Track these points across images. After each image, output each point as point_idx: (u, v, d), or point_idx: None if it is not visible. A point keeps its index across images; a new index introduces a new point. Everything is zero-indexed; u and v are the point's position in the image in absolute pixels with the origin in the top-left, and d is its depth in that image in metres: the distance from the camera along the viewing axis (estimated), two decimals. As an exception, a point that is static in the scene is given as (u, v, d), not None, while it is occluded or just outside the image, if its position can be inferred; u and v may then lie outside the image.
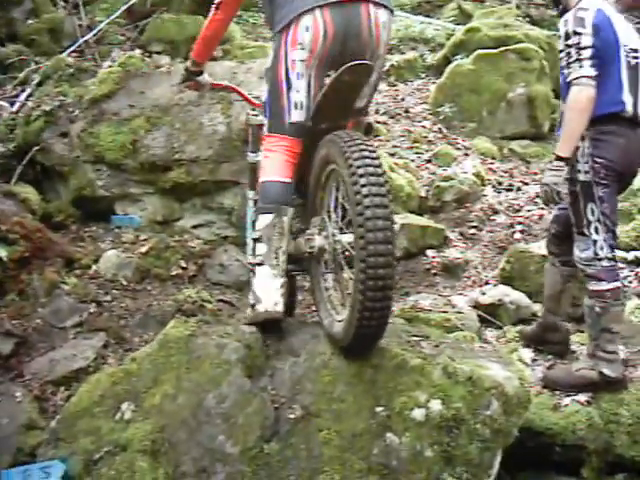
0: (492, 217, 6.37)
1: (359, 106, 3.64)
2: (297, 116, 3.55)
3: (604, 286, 3.92)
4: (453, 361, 3.26)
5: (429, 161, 7.17)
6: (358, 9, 3.41)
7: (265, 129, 3.72)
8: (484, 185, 6.81)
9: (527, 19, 11.05)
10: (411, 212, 6.15)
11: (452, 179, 6.58)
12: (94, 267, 5.21)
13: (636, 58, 3.99)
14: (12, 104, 7.03)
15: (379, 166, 3.03)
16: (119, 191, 5.96)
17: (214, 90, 4.71)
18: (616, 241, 4.09)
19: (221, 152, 5.84)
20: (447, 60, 9.33)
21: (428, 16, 12.38)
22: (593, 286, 3.95)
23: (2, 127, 6.53)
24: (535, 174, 7.29)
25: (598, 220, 3.93)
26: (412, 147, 7.51)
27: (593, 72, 3.77)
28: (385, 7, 3.51)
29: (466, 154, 7.46)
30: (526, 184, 7.02)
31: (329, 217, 3.41)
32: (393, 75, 9.66)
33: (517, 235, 6.10)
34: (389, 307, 3.07)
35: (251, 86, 5.74)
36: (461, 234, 6.10)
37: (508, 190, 6.89)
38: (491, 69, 8.35)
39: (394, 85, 9.47)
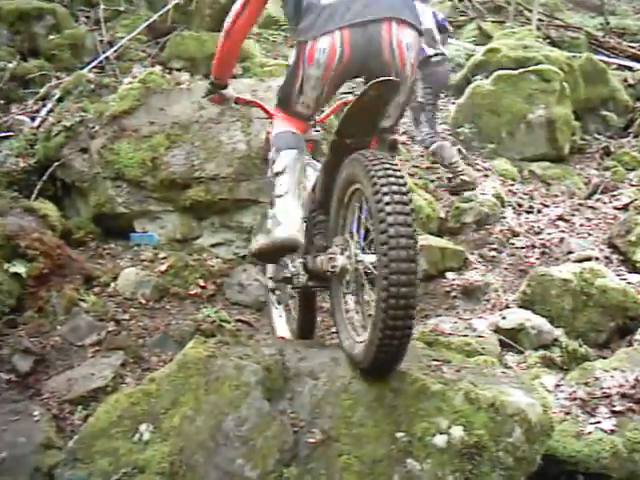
0: (512, 239, 6.33)
1: (385, 125, 3.59)
2: (302, 109, 3.63)
3: None
4: (475, 387, 3.20)
5: (449, 181, 7.13)
6: (379, 29, 3.37)
7: (274, 104, 3.83)
8: (504, 207, 6.77)
9: (547, 40, 11.04)
10: (431, 233, 6.12)
11: (472, 201, 6.55)
12: (113, 285, 5.20)
13: None
14: (33, 119, 7.06)
15: (404, 185, 2.95)
16: (138, 208, 5.95)
17: (237, 105, 4.65)
18: None
19: (240, 170, 5.84)
20: (467, 80, 9.34)
21: (448, 37, 12.39)
22: None
23: (23, 142, 6.55)
24: (555, 196, 7.25)
25: None
26: (431, 167, 7.50)
27: None
28: (411, 26, 3.44)
29: (486, 175, 7.45)
30: (546, 206, 6.97)
31: (352, 237, 3.34)
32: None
33: (537, 258, 6.05)
34: (411, 327, 2.97)
35: (271, 103, 5.74)
36: (481, 256, 6.06)
37: (528, 212, 6.85)
38: (511, 90, 8.34)
39: (413, 105, 9.45)
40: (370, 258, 3.12)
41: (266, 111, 4.35)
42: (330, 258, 3.39)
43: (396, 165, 3.07)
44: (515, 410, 3.12)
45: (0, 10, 9.02)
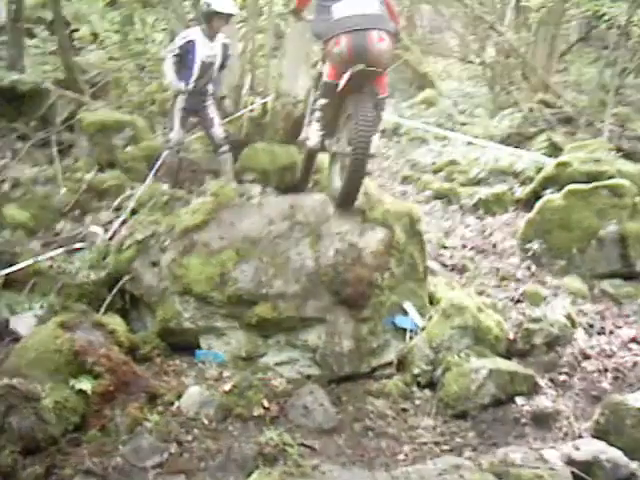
0: (583, 362, 6.14)
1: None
2: (331, 78, 6.12)
3: None
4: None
5: (518, 301, 7.03)
6: (367, 37, 5.77)
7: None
8: (574, 327, 6.58)
9: (619, 153, 10.95)
10: (499, 354, 5.98)
11: (541, 321, 6.40)
12: (177, 403, 5.18)
13: None
14: (106, 231, 7.23)
15: (371, 118, 5.76)
16: (205, 324, 5.98)
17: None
18: None
19: (308, 287, 5.85)
20: (536, 194, 9.29)
21: (517, 147, 12.42)
22: None
23: (95, 254, 6.71)
24: (627, 316, 7.06)
25: None
26: (500, 285, 7.41)
27: None
28: (384, 30, 5.84)
29: (555, 294, 7.30)
30: (619, 327, 6.78)
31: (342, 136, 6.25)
32: (481, 208, 9.67)
33: (610, 383, 5.85)
34: (362, 177, 5.93)
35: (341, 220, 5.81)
36: (551, 380, 5.88)
37: (600, 333, 6.66)
38: (582, 205, 8.22)
39: (482, 219, 9.46)
40: (348, 147, 5.87)
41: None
42: (332, 145, 6.56)
43: (369, 105, 5.82)
44: None
45: (81, 122, 9.40)
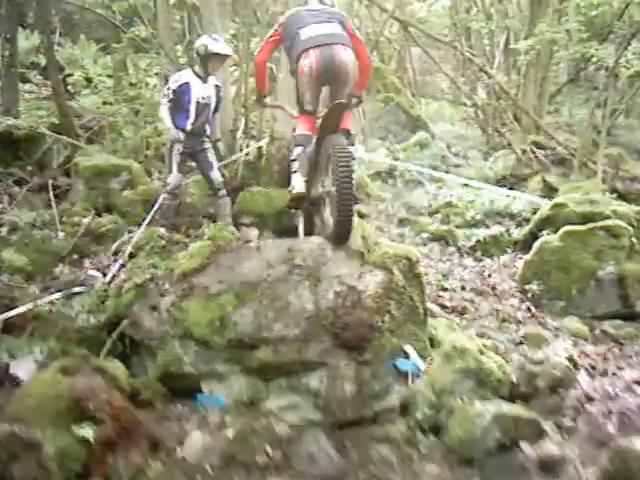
0: (587, 405, 6.08)
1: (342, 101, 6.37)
2: (308, 107, 6.83)
3: None
4: None
5: (519, 343, 7.00)
6: (333, 49, 6.43)
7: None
8: (577, 369, 6.54)
9: (614, 193, 11.02)
10: (502, 398, 5.92)
11: (543, 363, 6.35)
12: (179, 450, 5.12)
13: None
14: (105, 274, 7.20)
15: (349, 155, 5.93)
16: (206, 368, 5.93)
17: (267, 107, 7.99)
18: None
19: (308, 331, 5.80)
20: (533, 235, 9.33)
21: (512, 189, 12.50)
22: None
23: (94, 298, 6.67)
24: (630, 357, 7.04)
25: None
26: (500, 327, 7.39)
27: None
28: (347, 46, 6.52)
29: (556, 335, 7.29)
30: (621, 369, 6.74)
31: (327, 176, 6.42)
32: (479, 250, 9.70)
33: (615, 427, 5.79)
34: (352, 214, 6.03)
35: (339, 263, 5.80)
36: (556, 424, 5.81)
37: (603, 375, 6.62)
38: (579, 246, 8.25)
39: (480, 260, 9.48)
40: (333, 188, 6.03)
41: (290, 113, 7.38)
42: (316, 188, 6.81)
43: (345, 143, 6.11)
44: None
45: (77, 166, 9.43)
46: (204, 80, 8.39)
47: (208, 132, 8.57)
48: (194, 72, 8.41)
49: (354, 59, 6.55)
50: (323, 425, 5.59)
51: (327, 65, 6.43)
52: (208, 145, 8.60)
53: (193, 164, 8.89)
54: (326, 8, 6.97)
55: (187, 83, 8.30)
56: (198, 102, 8.31)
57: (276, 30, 7.02)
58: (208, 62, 8.32)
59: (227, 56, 8.57)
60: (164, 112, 8.31)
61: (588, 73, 20.59)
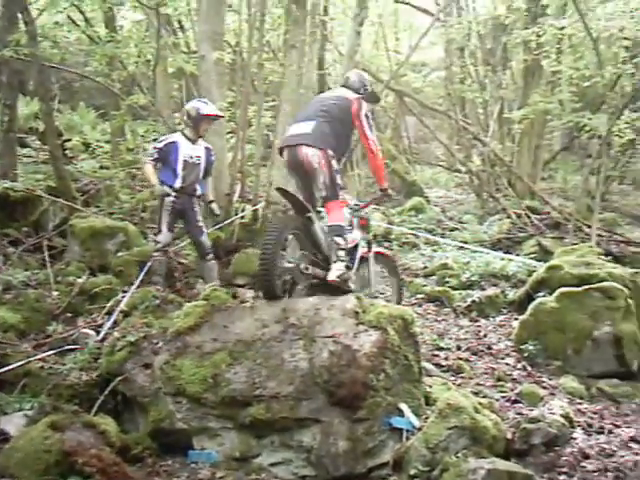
0: (583, 462, 5.99)
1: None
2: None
3: None
4: None
5: (515, 401, 6.96)
6: (297, 149, 6.79)
7: None
8: (573, 427, 6.48)
9: (608, 256, 11.05)
10: (497, 455, 5.85)
11: (539, 421, 6.29)
12: (169, 506, 5.04)
13: None
14: (98, 333, 7.20)
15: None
16: (198, 425, 5.89)
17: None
18: None
19: (302, 389, 5.75)
20: (529, 296, 9.32)
21: (508, 252, 12.56)
22: None
23: (87, 356, 6.69)
24: (626, 415, 6.98)
25: None
26: (496, 385, 7.36)
27: None
28: (312, 146, 6.74)
29: (552, 393, 7.26)
30: (618, 426, 6.68)
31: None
32: (475, 311, 9.70)
33: (611, 484, 5.72)
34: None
35: (334, 322, 5.82)
36: (551, 480, 5.75)
37: (599, 433, 6.55)
38: (576, 307, 8.26)
39: (476, 321, 9.48)
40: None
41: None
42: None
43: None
44: None
45: (73, 228, 9.48)
46: (193, 142, 8.54)
47: (199, 192, 8.63)
48: (183, 134, 8.57)
49: (318, 154, 6.74)
50: (314, 481, 5.52)
51: (294, 162, 6.91)
52: (197, 206, 8.66)
53: (184, 227, 8.94)
54: (331, 95, 7.41)
55: (174, 142, 8.48)
56: (186, 161, 8.43)
57: None
58: (200, 124, 8.50)
59: (218, 117, 8.86)
60: (148, 170, 8.51)
61: (582, 141, 20.84)
